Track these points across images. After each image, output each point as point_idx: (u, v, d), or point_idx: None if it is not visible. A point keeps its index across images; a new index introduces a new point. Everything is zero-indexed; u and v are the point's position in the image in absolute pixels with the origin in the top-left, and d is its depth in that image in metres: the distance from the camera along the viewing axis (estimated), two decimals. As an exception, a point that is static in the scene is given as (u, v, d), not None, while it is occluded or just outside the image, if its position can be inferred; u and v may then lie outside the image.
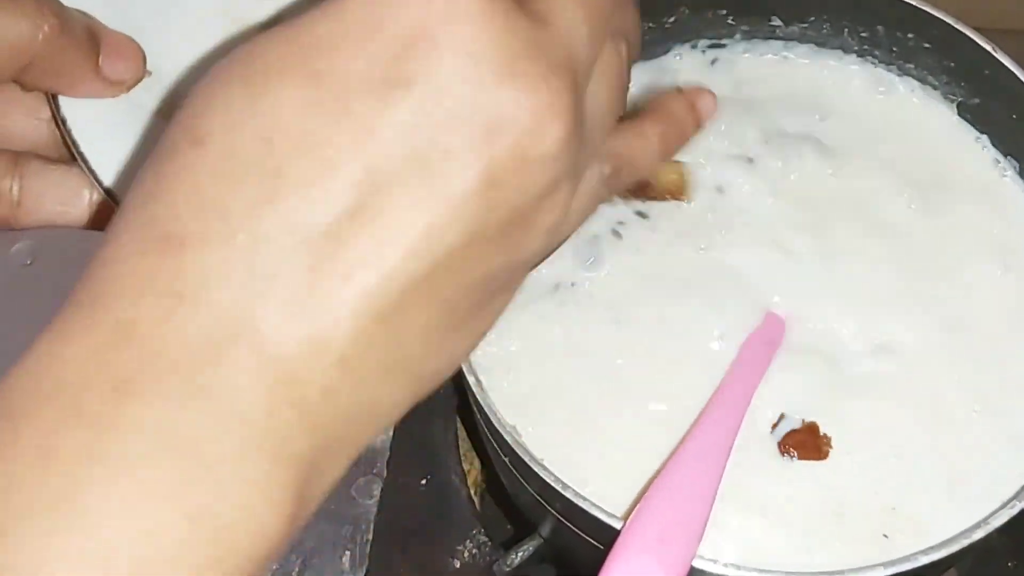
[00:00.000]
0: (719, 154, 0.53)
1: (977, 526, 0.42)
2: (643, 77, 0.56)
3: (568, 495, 0.43)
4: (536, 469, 0.43)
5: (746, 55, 0.57)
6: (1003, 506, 0.42)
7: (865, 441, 0.47)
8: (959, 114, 0.55)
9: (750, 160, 0.53)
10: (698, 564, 0.41)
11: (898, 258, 0.51)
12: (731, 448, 0.44)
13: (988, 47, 0.51)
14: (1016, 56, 0.51)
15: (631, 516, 0.41)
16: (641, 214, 0.52)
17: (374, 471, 0.60)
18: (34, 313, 0.64)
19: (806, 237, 0.52)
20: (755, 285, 0.50)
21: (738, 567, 0.41)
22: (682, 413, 0.47)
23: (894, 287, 0.51)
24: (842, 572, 0.41)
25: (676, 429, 0.46)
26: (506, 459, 0.46)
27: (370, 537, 0.58)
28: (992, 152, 0.54)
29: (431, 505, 0.58)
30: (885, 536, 0.45)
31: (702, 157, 0.52)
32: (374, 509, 0.58)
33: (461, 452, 0.60)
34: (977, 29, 0.52)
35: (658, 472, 0.44)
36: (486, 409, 0.45)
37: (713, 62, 0.57)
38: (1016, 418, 0.48)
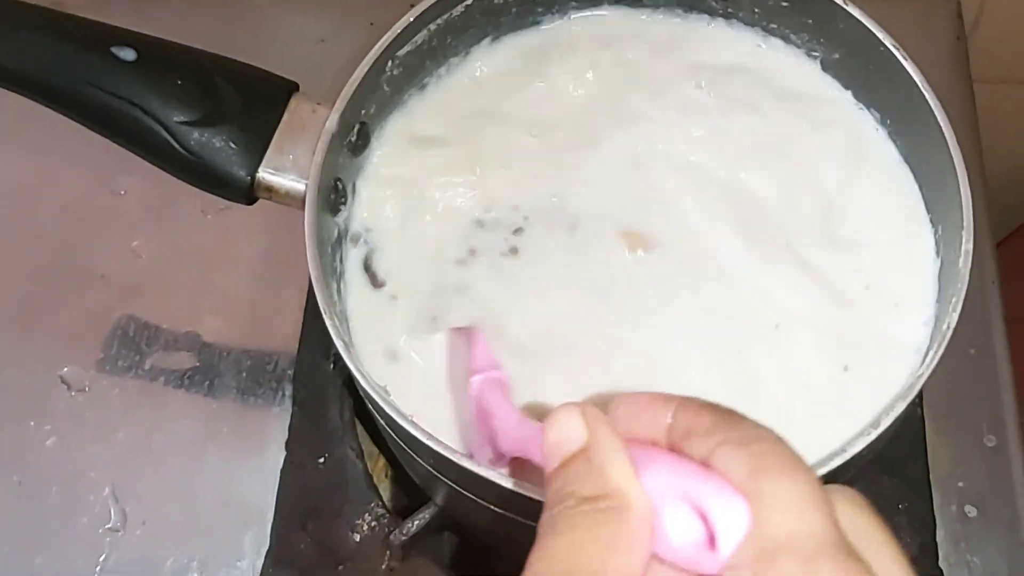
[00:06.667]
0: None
1: (835, 453, 0.43)
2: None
3: (463, 463, 0.42)
4: (427, 442, 0.43)
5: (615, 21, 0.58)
6: (859, 434, 0.43)
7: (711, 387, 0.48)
8: (823, 70, 0.56)
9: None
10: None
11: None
12: None
13: (839, 0, 0.52)
14: (867, 9, 0.52)
15: None
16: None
17: (272, 453, 0.60)
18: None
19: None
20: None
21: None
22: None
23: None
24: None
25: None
26: (398, 438, 0.47)
27: (271, 517, 0.58)
28: (855, 105, 0.55)
29: (329, 482, 0.58)
30: None
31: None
32: (274, 490, 0.59)
33: (358, 430, 0.60)
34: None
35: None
36: (371, 392, 0.45)
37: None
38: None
